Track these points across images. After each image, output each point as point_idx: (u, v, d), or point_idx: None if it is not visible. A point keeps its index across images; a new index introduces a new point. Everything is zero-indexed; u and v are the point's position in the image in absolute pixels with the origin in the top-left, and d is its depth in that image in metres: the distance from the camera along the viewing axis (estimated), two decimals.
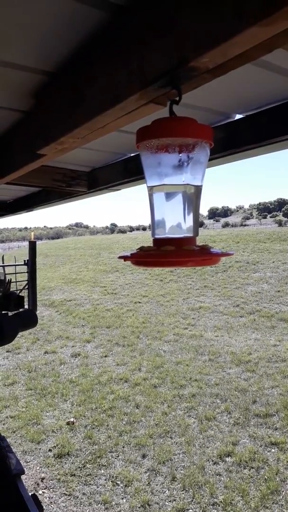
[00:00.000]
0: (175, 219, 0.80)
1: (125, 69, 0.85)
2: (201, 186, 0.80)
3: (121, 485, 3.77)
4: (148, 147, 0.77)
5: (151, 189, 0.81)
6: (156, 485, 3.75)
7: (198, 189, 0.79)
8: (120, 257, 0.80)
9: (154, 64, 0.77)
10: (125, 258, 0.79)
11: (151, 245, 0.82)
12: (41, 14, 0.83)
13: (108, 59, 0.91)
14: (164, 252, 0.75)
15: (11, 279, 2.18)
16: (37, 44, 0.95)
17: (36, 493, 3.56)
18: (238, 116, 1.50)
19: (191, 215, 0.79)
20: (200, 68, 0.71)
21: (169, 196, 0.80)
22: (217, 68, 0.73)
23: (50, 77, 1.11)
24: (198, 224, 0.81)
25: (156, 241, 0.80)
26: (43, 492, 3.71)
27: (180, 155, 0.75)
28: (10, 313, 1.74)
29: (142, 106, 0.87)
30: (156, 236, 0.81)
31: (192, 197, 0.79)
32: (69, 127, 1.06)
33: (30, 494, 1.70)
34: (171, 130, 0.75)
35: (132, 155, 2.00)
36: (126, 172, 2.02)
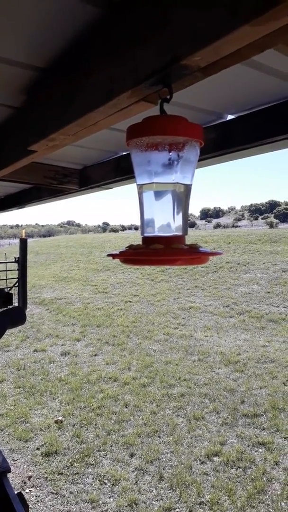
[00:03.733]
0: (164, 218, 0.80)
1: (117, 66, 0.85)
2: (191, 185, 0.80)
3: (109, 484, 3.77)
4: (138, 144, 0.76)
5: (140, 187, 0.80)
6: (144, 484, 3.75)
7: (188, 188, 0.79)
8: (109, 255, 0.80)
9: (147, 62, 0.77)
10: (114, 256, 0.78)
11: (141, 243, 0.82)
12: (32, 8, 0.82)
13: (100, 56, 0.90)
14: (153, 250, 0.75)
15: None
16: (28, 39, 0.94)
17: (23, 492, 3.54)
18: (230, 117, 1.51)
19: (180, 213, 0.78)
20: (192, 66, 0.71)
21: (158, 194, 0.80)
22: (209, 66, 0.73)
23: (42, 73, 1.10)
24: (187, 223, 0.80)
25: (145, 239, 0.80)
26: (30, 490, 3.69)
27: (170, 153, 0.75)
28: None
29: (133, 104, 0.87)
30: (146, 235, 0.80)
31: (182, 196, 0.79)
32: (60, 123, 1.06)
33: (16, 492, 1.69)
34: (161, 128, 0.74)
35: (124, 153, 1.99)
36: (118, 170, 2.02)
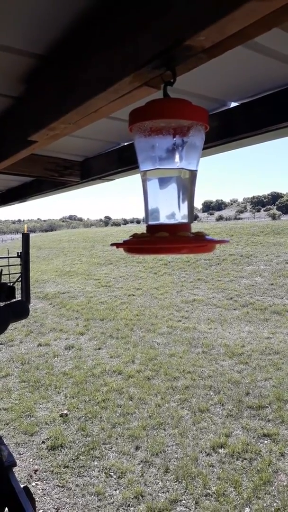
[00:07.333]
0: (169, 205, 0.77)
1: (119, 50, 0.82)
2: (196, 171, 0.78)
3: (114, 476, 3.78)
4: (141, 129, 0.74)
5: (144, 174, 0.78)
6: (149, 476, 3.75)
7: (193, 174, 0.77)
8: (112, 244, 0.78)
9: (149, 45, 0.74)
10: (117, 245, 0.76)
11: (145, 232, 0.79)
12: None
13: (100, 41, 0.88)
14: (158, 238, 0.72)
15: (2, 269, 2.15)
16: (26, 25, 0.91)
17: (29, 485, 3.56)
18: (233, 104, 1.47)
19: (186, 201, 0.76)
20: (196, 47, 0.69)
21: (163, 181, 0.77)
22: (213, 47, 0.70)
23: (41, 60, 1.08)
24: (193, 210, 0.78)
25: (150, 227, 0.78)
26: (36, 484, 3.70)
27: (175, 138, 0.72)
28: (1, 304, 1.72)
29: (135, 89, 0.84)
30: (150, 223, 0.78)
31: (187, 183, 0.76)
32: (61, 112, 1.03)
33: (22, 486, 1.69)
34: (166, 111, 0.72)
35: (126, 144, 1.96)
36: (120, 161, 1.99)
